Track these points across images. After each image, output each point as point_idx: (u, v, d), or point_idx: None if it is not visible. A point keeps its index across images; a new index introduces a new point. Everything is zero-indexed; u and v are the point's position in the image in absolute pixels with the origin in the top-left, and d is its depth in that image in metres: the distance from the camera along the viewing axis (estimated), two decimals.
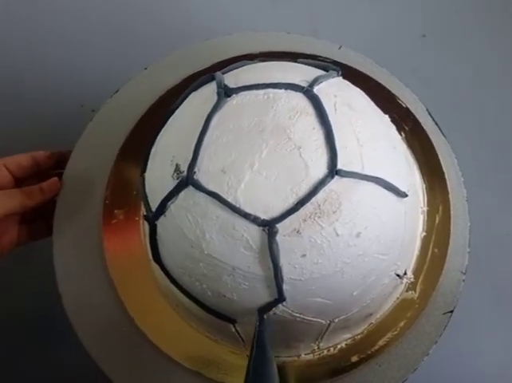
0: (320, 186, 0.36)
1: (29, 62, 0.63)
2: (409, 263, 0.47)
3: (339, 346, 0.47)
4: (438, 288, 0.47)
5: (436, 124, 0.52)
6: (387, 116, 0.44)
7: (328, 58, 0.53)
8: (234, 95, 0.39)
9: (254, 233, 0.37)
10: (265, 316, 0.39)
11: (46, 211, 0.50)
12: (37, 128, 0.60)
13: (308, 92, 0.39)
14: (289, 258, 0.37)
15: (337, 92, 0.40)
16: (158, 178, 0.41)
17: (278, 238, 0.36)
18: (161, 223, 0.40)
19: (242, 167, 0.37)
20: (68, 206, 0.50)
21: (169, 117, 0.42)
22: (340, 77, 0.43)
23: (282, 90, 0.39)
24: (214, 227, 0.37)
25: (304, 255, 0.37)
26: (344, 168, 0.37)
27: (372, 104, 0.43)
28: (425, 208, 0.49)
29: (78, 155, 0.51)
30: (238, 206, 0.36)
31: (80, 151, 0.51)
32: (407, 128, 0.51)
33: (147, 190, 0.42)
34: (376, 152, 0.39)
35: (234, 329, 0.43)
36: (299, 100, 0.38)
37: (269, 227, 0.36)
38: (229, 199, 0.36)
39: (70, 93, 0.61)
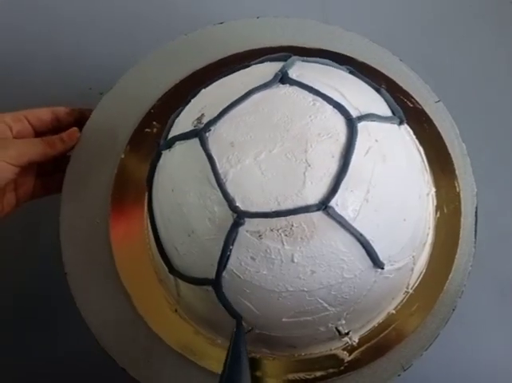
0: (302, 210, 0.36)
1: (38, 45, 0.63)
2: (361, 324, 0.45)
3: None
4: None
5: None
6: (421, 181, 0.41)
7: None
8: (287, 85, 0.39)
9: (223, 213, 0.37)
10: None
11: (61, 166, 0.50)
12: None
13: (352, 122, 0.37)
14: (239, 253, 0.37)
15: (381, 140, 0.38)
16: (184, 117, 0.42)
17: (240, 230, 0.36)
18: (164, 155, 0.41)
19: (248, 151, 0.37)
20: (83, 161, 0.50)
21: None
22: (398, 126, 0.41)
23: (330, 107, 0.38)
24: (195, 184, 0.38)
25: (253, 259, 0.37)
26: (336, 209, 0.36)
27: (411, 163, 0.41)
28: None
29: (101, 111, 0.51)
30: (223, 182, 0.37)
31: (103, 107, 0.51)
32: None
33: (175, 121, 0.43)
34: (377, 216, 0.37)
35: None
36: (338, 123, 0.37)
37: (238, 216, 0.36)
38: (220, 171, 0.37)
39: (78, 76, 0.62)
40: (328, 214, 0.36)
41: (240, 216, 0.36)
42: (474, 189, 0.49)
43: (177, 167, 0.40)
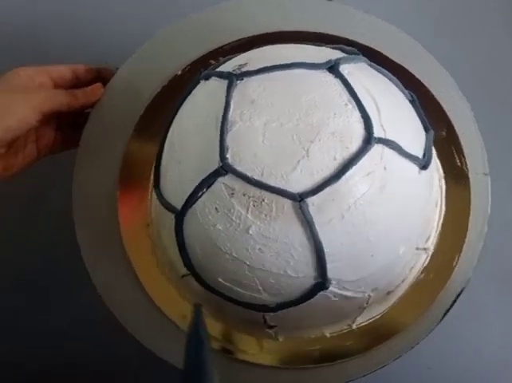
0: (280, 192, 0.36)
1: (54, 21, 0.63)
2: (289, 327, 0.45)
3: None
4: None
5: None
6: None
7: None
8: (332, 75, 0.38)
9: (211, 157, 0.38)
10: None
11: (80, 122, 0.50)
12: None
13: (370, 138, 0.37)
14: (207, 198, 0.38)
15: (390, 170, 0.37)
16: (234, 59, 0.43)
17: (219, 179, 0.37)
18: (199, 85, 0.43)
19: (262, 115, 0.37)
20: (102, 121, 0.49)
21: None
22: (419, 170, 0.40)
23: (359, 115, 0.37)
24: (205, 119, 0.39)
25: (217, 211, 0.38)
26: (310, 209, 0.36)
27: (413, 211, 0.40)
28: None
29: (126, 71, 0.50)
30: (227, 130, 0.37)
31: (129, 67, 0.50)
32: None
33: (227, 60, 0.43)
34: (344, 236, 0.37)
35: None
36: (356, 134, 0.37)
37: (223, 167, 0.37)
38: (229, 119, 0.37)
39: (95, 51, 0.61)
40: (300, 207, 0.36)
41: (224, 167, 0.37)
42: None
43: (202, 98, 0.41)
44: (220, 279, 0.40)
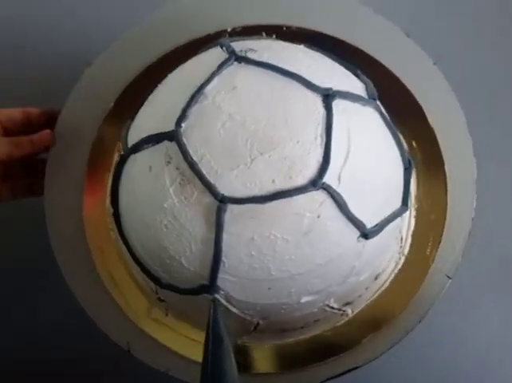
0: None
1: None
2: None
3: None
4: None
5: None
6: None
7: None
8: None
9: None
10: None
11: (31, 170, 0.48)
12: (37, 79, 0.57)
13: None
14: None
15: None
16: None
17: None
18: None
19: None
20: (59, 160, 0.48)
21: None
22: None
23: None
24: None
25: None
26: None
27: None
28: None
29: (70, 109, 0.48)
30: None
31: (72, 104, 0.48)
32: None
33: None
34: None
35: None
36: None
37: None
38: None
39: (75, 48, 0.58)
40: (218, 208, 0.34)
41: (174, 133, 0.36)
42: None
43: (201, 59, 0.40)
44: (132, 233, 0.40)
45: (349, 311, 0.45)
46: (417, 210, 0.47)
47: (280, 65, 0.36)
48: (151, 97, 0.41)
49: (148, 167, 0.37)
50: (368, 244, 0.38)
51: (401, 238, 0.45)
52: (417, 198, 0.47)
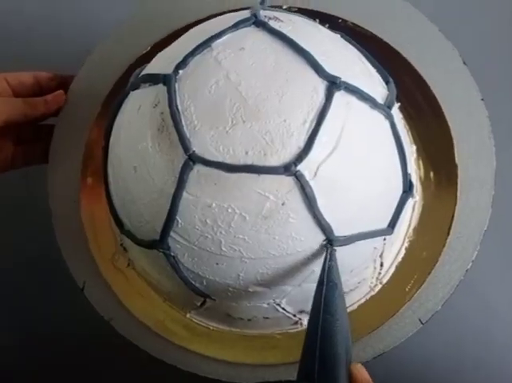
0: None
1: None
2: None
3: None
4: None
5: None
6: None
7: None
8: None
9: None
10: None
11: (42, 136, 0.47)
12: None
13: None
14: None
15: None
16: None
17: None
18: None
19: None
20: (69, 125, 0.47)
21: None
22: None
23: None
24: None
25: None
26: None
27: None
28: None
29: (85, 74, 0.48)
30: None
31: (88, 69, 0.48)
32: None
33: None
34: None
35: None
36: None
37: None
38: None
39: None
40: (184, 164, 0.33)
41: (166, 82, 0.34)
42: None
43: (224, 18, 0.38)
44: (110, 169, 0.39)
45: (305, 321, 0.42)
46: (411, 242, 0.44)
47: (296, 40, 0.34)
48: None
49: (138, 106, 0.36)
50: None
51: (381, 264, 0.42)
52: (415, 230, 0.44)
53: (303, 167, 0.32)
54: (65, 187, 0.48)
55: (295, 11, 0.44)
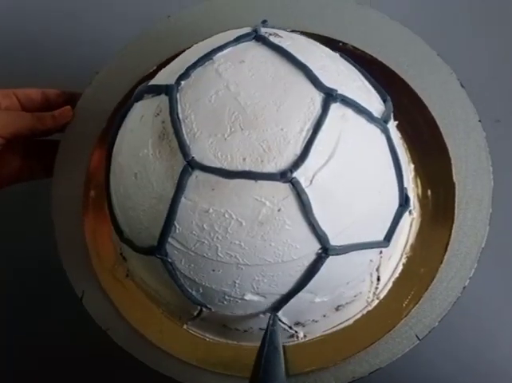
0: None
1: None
2: None
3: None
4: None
5: None
6: None
7: None
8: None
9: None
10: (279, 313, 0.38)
11: (50, 150, 0.48)
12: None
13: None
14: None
15: None
16: None
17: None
18: None
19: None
20: (75, 140, 0.48)
21: None
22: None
23: None
24: None
25: None
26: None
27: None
28: None
29: (92, 91, 0.49)
30: None
31: (95, 87, 0.49)
32: None
33: None
34: None
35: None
36: None
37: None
38: None
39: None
40: (184, 169, 0.34)
41: (170, 87, 0.36)
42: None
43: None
44: (112, 178, 0.40)
45: (301, 334, 0.43)
46: (408, 258, 0.44)
47: (294, 54, 0.35)
48: None
49: (141, 116, 0.37)
50: (329, 263, 0.36)
51: (377, 278, 0.42)
52: (412, 247, 0.45)
53: (299, 175, 0.33)
54: (69, 199, 0.49)
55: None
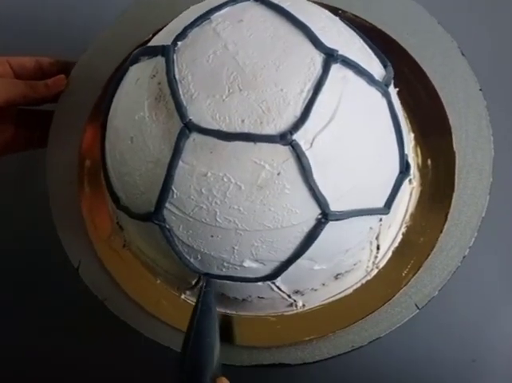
0: None
1: None
2: None
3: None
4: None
5: None
6: None
7: None
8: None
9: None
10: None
11: (44, 120, 0.47)
12: None
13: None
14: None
15: None
16: None
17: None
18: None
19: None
20: (69, 110, 0.47)
21: None
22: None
23: None
24: None
25: None
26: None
27: None
28: None
29: (86, 59, 0.48)
30: None
31: (89, 55, 0.48)
32: None
33: None
34: None
35: None
36: None
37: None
38: None
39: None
40: (181, 130, 0.33)
41: (167, 48, 0.35)
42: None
43: None
44: (107, 144, 0.39)
45: (300, 303, 0.42)
46: (408, 227, 0.44)
47: (294, 14, 0.34)
48: None
49: (136, 79, 0.36)
50: (329, 229, 0.35)
51: (377, 247, 0.42)
52: (412, 216, 0.44)
53: (299, 137, 0.32)
54: (63, 169, 0.48)
55: None
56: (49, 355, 0.55)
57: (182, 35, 0.35)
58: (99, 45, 0.49)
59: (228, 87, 0.33)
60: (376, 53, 0.40)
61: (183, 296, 0.44)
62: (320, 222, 0.35)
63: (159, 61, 0.35)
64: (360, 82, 0.35)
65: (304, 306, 0.43)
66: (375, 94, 0.36)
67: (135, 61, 0.38)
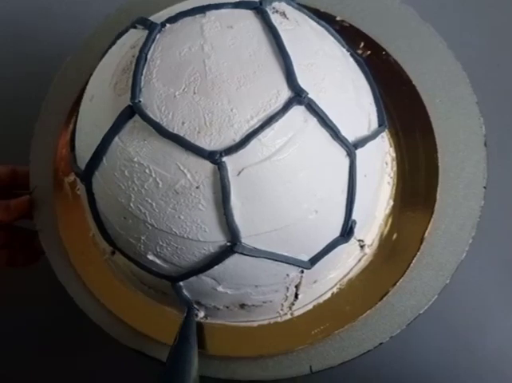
0: None
1: None
2: None
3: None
4: None
5: None
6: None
7: None
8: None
9: None
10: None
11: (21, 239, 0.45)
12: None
13: None
14: None
15: None
16: None
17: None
18: None
19: None
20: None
21: None
22: None
23: None
24: None
25: None
26: None
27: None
28: None
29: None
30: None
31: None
32: None
33: None
34: None
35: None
36: None
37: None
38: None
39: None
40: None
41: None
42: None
43: None
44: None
45: (201, 314, 0.42)
46: (340, 291, 0.42)
47: (285, 42, 0.33)
48: None
49: (123, 43, 0.36)
50: (237, 259, 0.34)
51: (295, 295, 0.40)
52: (350, 281, 0.42)
53: (229, 161, 0.31)
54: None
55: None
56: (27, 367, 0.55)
57: (173, 19, 0.34)
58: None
59: (185, 85, 0.32)
60: (378, 110, 0.38)
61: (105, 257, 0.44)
62: (226, 249, 0.34)
63: (144, 35, 0.34)
64: (321, 134, 0.33)
65: (205, 318, 0.42)
66: (336, 150, 0.34)
67: (134, 26, 0.37)
